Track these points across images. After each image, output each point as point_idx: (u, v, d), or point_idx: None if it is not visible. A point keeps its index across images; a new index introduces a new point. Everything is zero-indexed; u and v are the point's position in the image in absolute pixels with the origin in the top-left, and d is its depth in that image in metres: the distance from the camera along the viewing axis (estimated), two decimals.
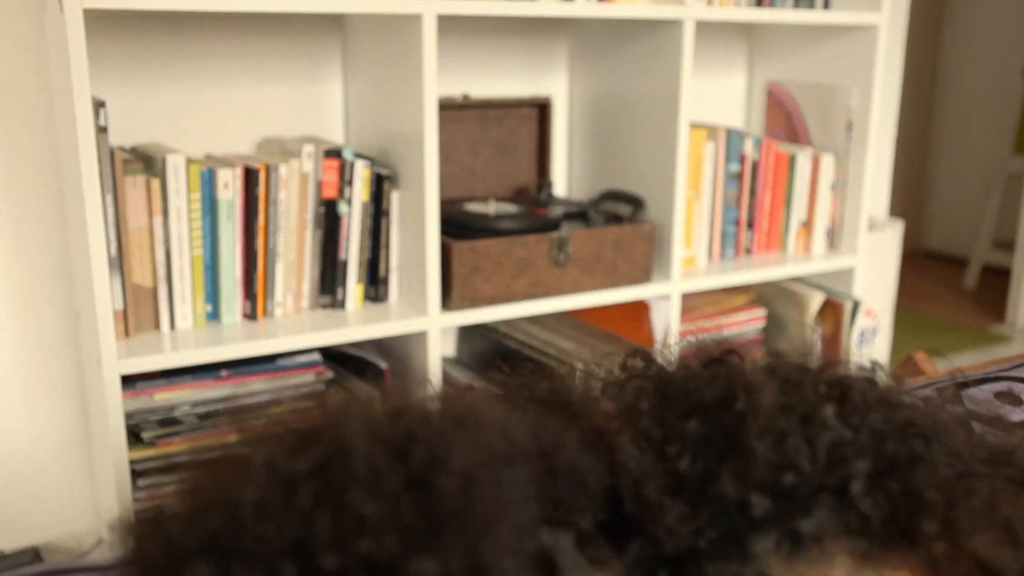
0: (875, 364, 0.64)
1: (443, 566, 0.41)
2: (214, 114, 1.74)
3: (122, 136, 1.67)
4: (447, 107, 1.90)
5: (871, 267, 2.32)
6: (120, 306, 1.48)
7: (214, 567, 0.43)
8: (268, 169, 1.56)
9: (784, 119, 2.24)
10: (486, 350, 1.90)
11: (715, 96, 2.28)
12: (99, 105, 1.39)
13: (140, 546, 0.48)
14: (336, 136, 1.85)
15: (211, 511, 0.46)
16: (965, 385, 0.93)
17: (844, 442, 0.56)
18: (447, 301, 1.66)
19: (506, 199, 1.96)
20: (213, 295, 1.56)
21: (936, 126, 4.66)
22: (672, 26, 1.80)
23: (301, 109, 1.81)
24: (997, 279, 4.21)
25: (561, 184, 2.15)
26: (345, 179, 1.62)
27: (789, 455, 0.55)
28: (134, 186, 1.47)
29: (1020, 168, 4.11)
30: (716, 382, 0.61)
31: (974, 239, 4.34)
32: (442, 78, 1.96)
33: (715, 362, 0.63)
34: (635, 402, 0.61)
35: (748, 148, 2.04)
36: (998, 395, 0.89)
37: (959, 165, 4.59)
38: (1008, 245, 4.10)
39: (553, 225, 1.76)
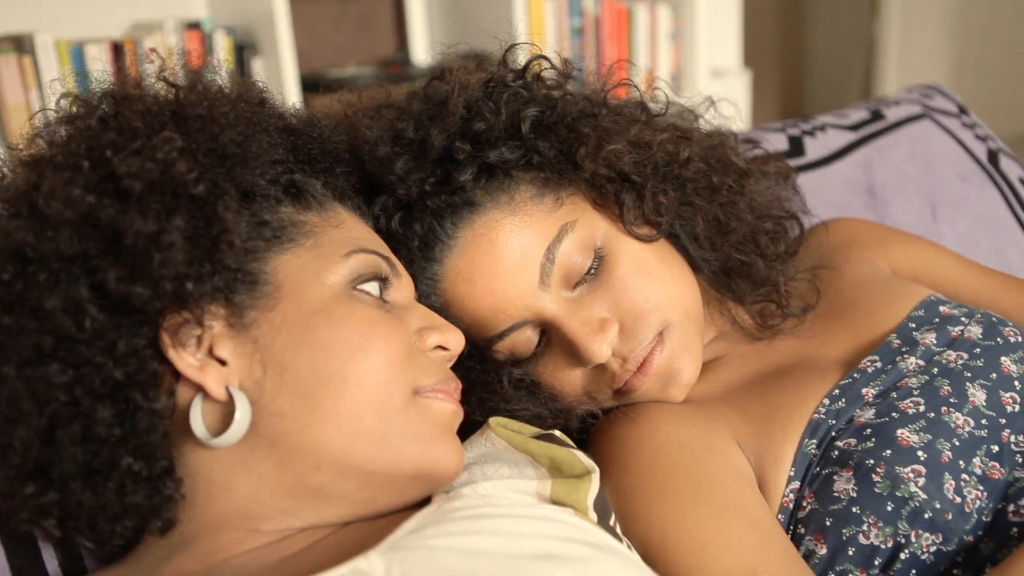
0: (565, 60, 0.84)
1: (188, 143, 0.60)
2: (83, 2, 1.86)
3: None
4: None
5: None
6: None
7: (31, 174, 0.61)
8: (134, 43, 1.70)
9: None
10: None
11: None
12: None
13: None
14: (204, 16, 1.99)
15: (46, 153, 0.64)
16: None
17: (519, 97, 0.76)
18: None
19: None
20: None
21: None
22: None
23: None
24: None
25: (427, 55, 2.31)
26: (208, 49, 1.77)
27: (477, 108, 0.75)
28: (7, 65, 1.61)
29: (876, 31, 4.37)
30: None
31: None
32: None
33: (446, 70, 0.83)
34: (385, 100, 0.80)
35: (589, 5, 2.22)
36: (743, 139, 1.08)
37: (831, 30, 4.83)
38: None
39: (407, 78, 1.93)
